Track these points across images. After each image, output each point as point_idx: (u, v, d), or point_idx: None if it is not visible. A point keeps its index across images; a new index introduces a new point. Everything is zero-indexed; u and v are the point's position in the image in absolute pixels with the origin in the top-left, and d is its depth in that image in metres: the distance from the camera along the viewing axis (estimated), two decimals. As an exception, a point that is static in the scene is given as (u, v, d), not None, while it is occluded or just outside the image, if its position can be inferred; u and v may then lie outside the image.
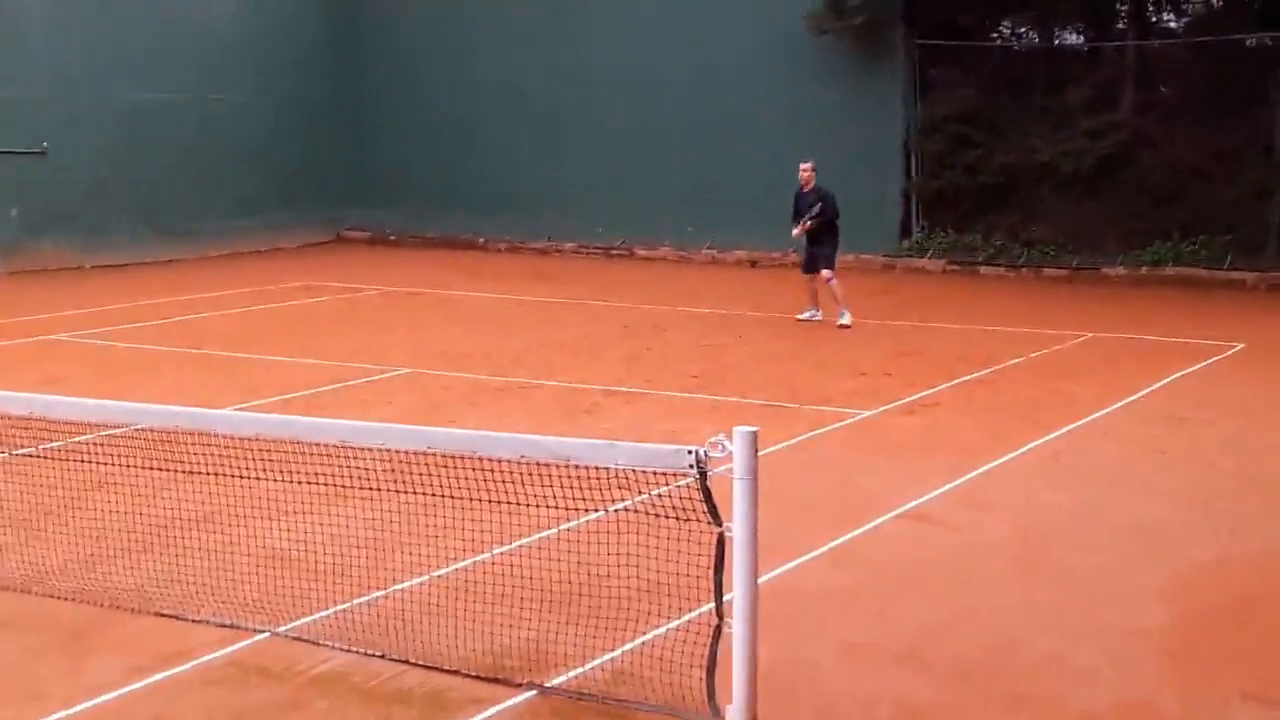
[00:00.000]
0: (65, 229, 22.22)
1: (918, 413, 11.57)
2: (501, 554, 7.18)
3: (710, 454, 5.23)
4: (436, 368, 13.49)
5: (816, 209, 15.96)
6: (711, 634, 5.46)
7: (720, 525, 5.34)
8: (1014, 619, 6.79)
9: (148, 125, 23.43)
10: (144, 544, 7.56)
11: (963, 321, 16.60)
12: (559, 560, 6.63)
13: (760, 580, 5.38)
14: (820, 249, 16.11)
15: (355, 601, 6.77)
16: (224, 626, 6.52)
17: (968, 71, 22.48)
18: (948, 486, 9.14)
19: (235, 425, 7.11)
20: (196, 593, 6.87)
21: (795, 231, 16.26)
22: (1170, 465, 9.91)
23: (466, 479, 6.34)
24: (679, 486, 5.66)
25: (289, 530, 7.34)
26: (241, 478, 7.11)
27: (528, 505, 6.34)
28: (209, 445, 7.30)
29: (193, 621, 6.61)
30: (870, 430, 10.98)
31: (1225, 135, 20.80)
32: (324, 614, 6.65)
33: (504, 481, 6.26)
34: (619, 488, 6.03)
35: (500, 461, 6.16)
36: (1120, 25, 23.10)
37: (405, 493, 6.86)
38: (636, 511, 6.15)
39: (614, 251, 24.50)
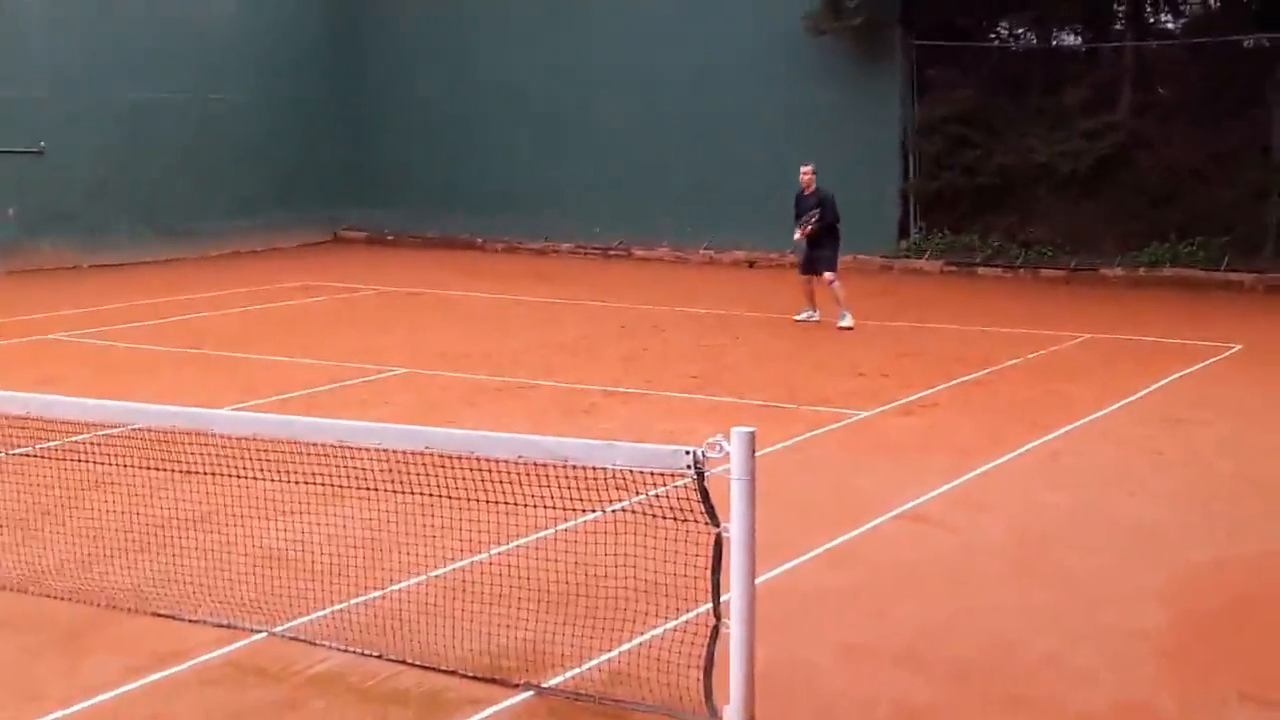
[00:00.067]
0: (64, 229, 22.22)
1: (915, 413, 11.57)
2: (499, 554, 7.18)
3: (708, 454, 5.23)
4: (434, 368, 13.49)
5: (815, 214, 15.95)
6: (709, 634, 5.46)
7: (718, 526, 5.34)
8: (1012, 620, 6.79)
9: (147, 125, 23.43)
10: (141, 544, 7.56)
11: (960, 322, 16.60)
12: (556, 561, 6.63)
13: (758, 581, 5.38)
14: (821, 252, 16.10)
15: (352, 601, 6.76)
16: (221, 626, 6.52)
17: (966, 72, 22.48)
18: (945, 487, 9.14)
19: (233, 425, 7.11)
20: (193, 593, 6.87)
21: (796, 235, 16.25)
22: (1168, 466, 9.92)
23: (464, 479, 6.34)
24: (677, 487, 5.66)
25: (286, 530, 7.34)
26: (239, 478, 7.10)
27: (525, 505, 6.34)
28: (207, 445, 7.30)
29: (190, 621, 6.60)
30: (868, 431, 10.98)
31: (1223, 136, 20.81)
32: (321, 614, 6.64)
33: (502, 482, 6.26)
34: (617, 488, 6.04)
35: (498, 462, 6.16)
36: (1118, 26, 23.12)
37: (403, 493, 6.86)
38: (634, 512, 6.15)
39: (612, 252, 24.50)
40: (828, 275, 16.01)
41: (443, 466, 6.38)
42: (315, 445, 6.76)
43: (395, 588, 6.95)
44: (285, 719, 5.67)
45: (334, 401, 11.71)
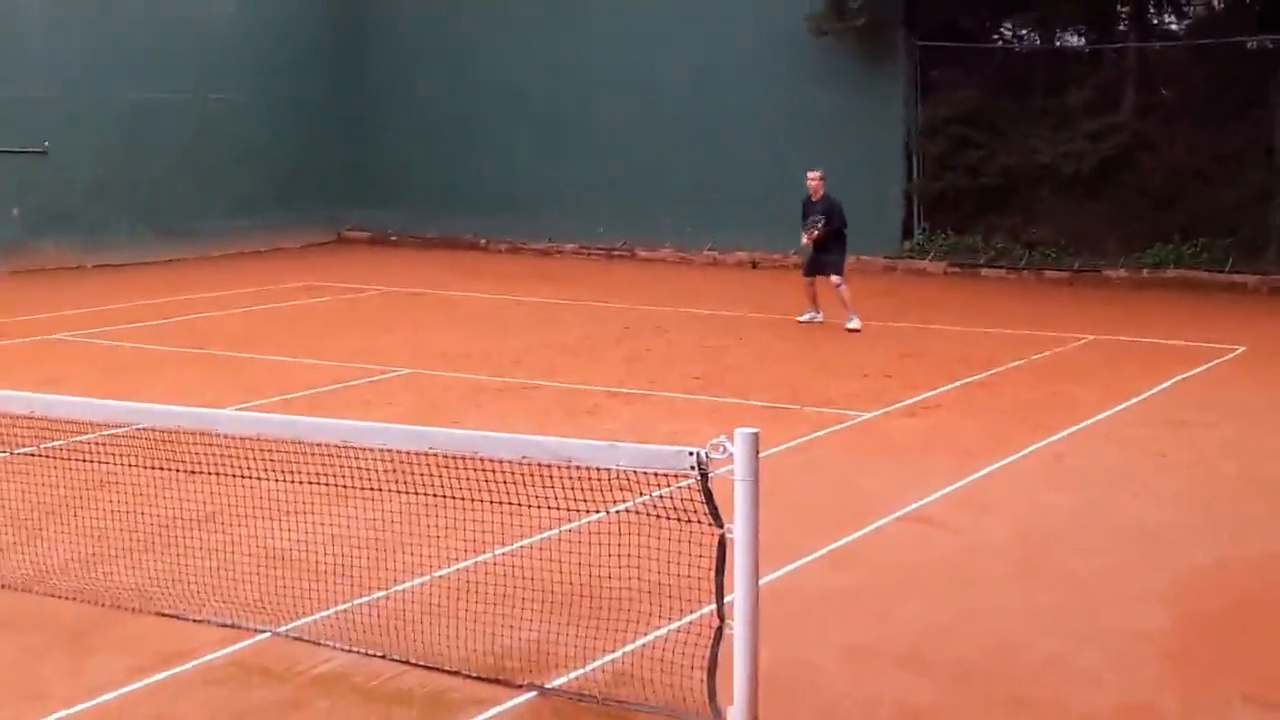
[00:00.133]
0: (66, 229, 22.23)
1: (919, 414, 11.57)
2: (502, 555, 7.19)
3: (711, 455, 5.23)
4: (437, 368, 13.49)
5: (820, 219, 15.94)
6: (713, 635, 5.46)
7: (721, 527, 5.34)
8: (1015, 621, 6.79)
9: (148, 125, 23.44)
10: (145, 543, 7.56)
11: (964, 323, 16.60)
12: (560, 561, 6.63)
13: (761, 582, 5.38)
14: (827, 256, 16.09)
15: (356, 602, 6.77)
16: (225, 626, 6.52)
17: (969, 73, 22.48)
18: (949, 488, 9.14)
19: (237, 425, 7.11)
20: (198, 592, 6.87)
21: (804, 241, 16.24)
22: (1171, 468, 9.91)
23: (468, 479, 6.34)
24: (680, 488, 5.66)
25: (290, 530, 7.34)
26: (243, 478, 7.11)
27: (529, 506, 6.35)
28: (211, 445, 7.30)
29: (194, 621, 6.61)
30: (871, 432, 10.98)
31: (1226, 138, 20.81)
32: (325, 614, 6.65)
33: (505, 482, 6.27)
34: (620, 489, 6.04)
35: (501, 462, 6.16)
36: (1121, 27, 23.09)
37: (406, 493, 6.86)
38: (638, 513, 6.14)
39: (615, 252, 24.50)
40: (834, 279, 16.01)
41: (446, 467, 6.38)
42: (319, 445, 6.77)
43: (399, 588, 6.95)
44: (289, 719, 5.68)
45: (337, 402, 11.72)
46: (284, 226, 25.59)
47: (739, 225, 23.11)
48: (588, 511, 6.33)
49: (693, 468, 5.27)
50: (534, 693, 5.82)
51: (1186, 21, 23.41)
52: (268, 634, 6.44)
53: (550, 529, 7.27)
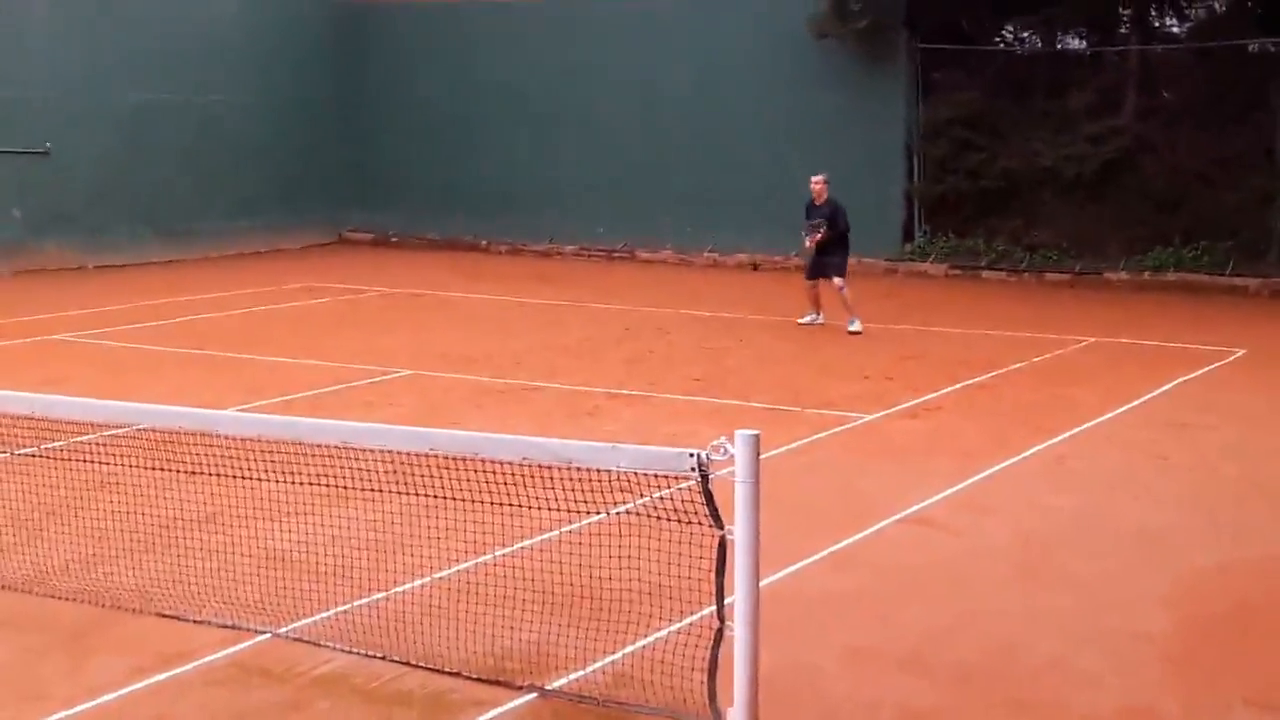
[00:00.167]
0: (68, 230, 22.23)
1: (920, 417, 11.57)
2: (503, 556, 7.19)
3: (712, 457, 5.23)
4: (438, 369, 13.49)
5: (821, 222, 15.93)
6: (713, 637, 5.46)
7: (722, 528, 5.34)
8: (1016, 624, 6.79)
9: (149, 126, 23.44)
10: (146, 544, 7.56)
11: (965, 326, 16.60)
12: (560, 563, 6.63)
13: (762, 584, 5.38)
14: (830, 259, 16.09)
15: (357, 603, 6.77)
16: (225, 627, 6.52)
17: (970, 75, 22.48)
18: (950, 491, 9.14)
19: (238, 426, 7.12)
20: (198, 593, 6.87)
21: (806, 244, 16.24)
22: (1172, 471, 9.91)
23: (468, 481, 6.34)
24: (681, 489, 5.66)
25: (291, 531, 7.34)
26: (244, 478, 7.11)
27: (529, 507, 6.35)
28: (211, 446, 7.30)
29: (194, 622, 6.61)
30: (872, 434, 10.98)
31: (1227, 141, 20.81)
32: (325, 615, 6.64)
33: (506, 483, 6.27)
34: (621, 490, 6.03)
35: (502, 463, 6.16)
36: (1123, 30, 23.08)
37: (407, 494, 6.86)
38: (638, 514, 6.14)
39: (616, 254, 24.50)
40: (837, 281, 16.01)
41: (447, 468, 6.38)
42: (320, 446, 6.78)
43: (399, 589, 6.95)
44: (289, 720, 5.68)
45: (338, 403, 11.72)
46: (284, 228, 25.59)
47: (740, 227, 23.11)
48: (588, 513, 6.33)
49: (693, 469, 5.27)
50: (534, 694, 5.82)
51: (1188, 24, 23.41)
52: (268, 635, 6.44)
53: (551, 530, 7.27)
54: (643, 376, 13.22)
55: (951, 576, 7.50)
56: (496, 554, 7.17)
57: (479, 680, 5.94)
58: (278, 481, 6.97)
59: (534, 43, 25.12)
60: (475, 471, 6.27)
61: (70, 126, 22.24)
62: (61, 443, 7.81)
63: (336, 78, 26.46)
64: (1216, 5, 23.44)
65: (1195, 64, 22.13)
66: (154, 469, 7.67)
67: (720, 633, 5.42)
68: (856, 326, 15.83)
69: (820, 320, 16.33)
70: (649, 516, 5.96)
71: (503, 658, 6.15)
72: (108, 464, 7.85)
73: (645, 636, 6.16)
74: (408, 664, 6.10)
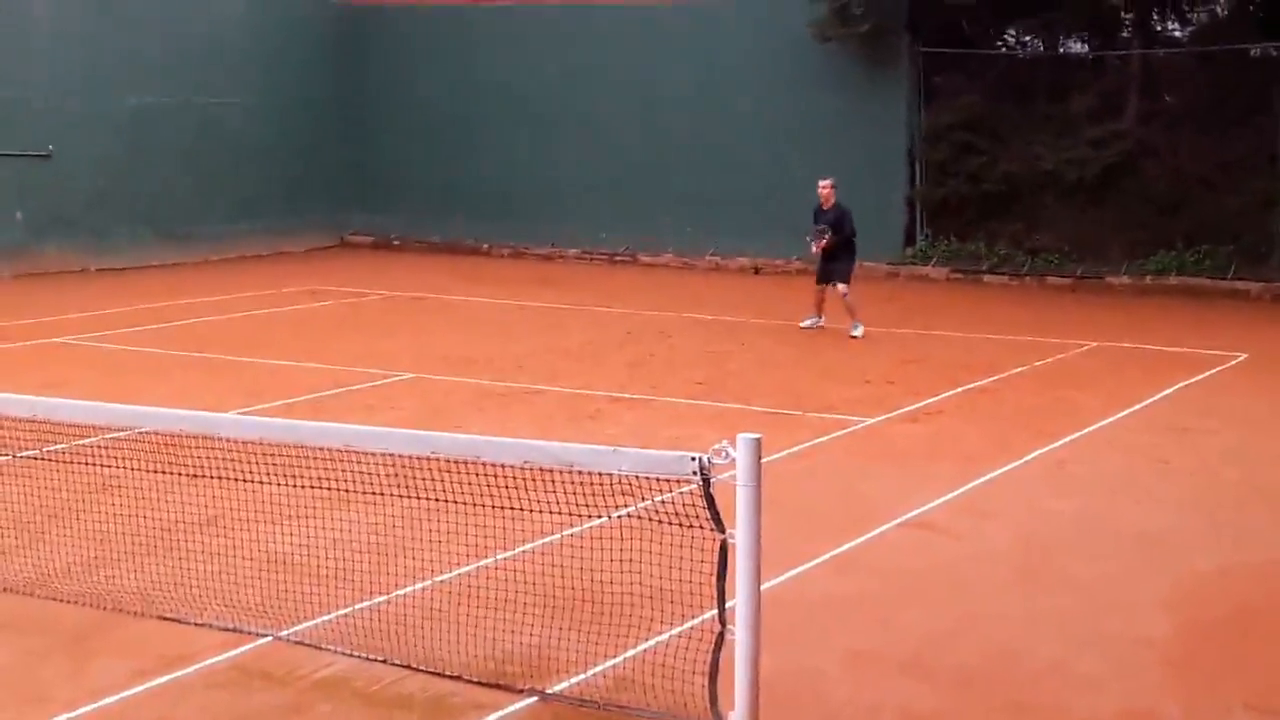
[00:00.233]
0: (69, 233, 22.24)
1: (921, 420, 11.57)
2: (504, 559, 7.19)
3: (714, 460, 5.24)
4: (440, 373, 13.49)
5: (829, 231, 15.93)
6: (714, 641, 5.46)
7: (723, 532, 5.34)
8: (1017, 627, 6.79)
9: (150, 129, 23.45)
10: (147, 547, 7.56)
11: (966, 329, 16.60)
12: (562, 566, 6.63)
13: (763, 587, 5.38)
14: (836, 264, 16.10)
15: (358, 606, 6.77)
16: (227, 630, 6.53)
17: (972, 79, 22.48)
18: (951, 495, 9.14)
19: (239, 429, 7.13)
20: (200, 596, 6.88)
21: (814, 249, 16.25)
22: (1173, 475, 9.91)
23: (470, 484, 6.35)
24: (682, 493, 5.66)
25: (292, 534, 7.35)
26: (245, 481, 7.11)
27: (531, 511, 6.35)
28: (213, 449, 7.30)
29: (196, 625, 6.61)
30: (874, 438, 10.98)
31: (1229, 145, 20.80)
32: (326, 618, 6.65)
33: (507, 487, 6.26)
34: (622, 494, 6.04)
35: (504, 467, 6.16)
36: (1125, 34, 23.08)
37: (408, 497, 6.85)
38: (640, 518, 6.15)
39: (618, 257, 24.50)
40: (841, 287, 16.03)
41: (448, 471, 6.39)
42: (321, 449, 6.78)
43: (401, 592, 6.95)
44: (290, 723, 5.68)
45: (340, 406, 11.72)
46: (286, 231, 25.60)
47: (741, 231, 23.11)
48: (590, 516, 6.34)
49: (695, 473, 5.28)
50: (535, 698, 5.83)
51: (1190, 28, 23.39)
52: (269, 638, 6.44)
53: (552, 534, 7.27)
54: (644, 380, 13.22)
55: (952, 580, 7.50)
56: (498, 557, 7.17)
57: (480, 684, 5.94)
58: (279, 485, 6.98)
59: (535, 45, 25.12)
60: (477, 475, 6.27)
61: (71, 129, 22.26)
62: (63, 446, 7.81)
63: (337, 80, 26.46)
64: (1218, 9, 23.43)
65: (1197, 68, 22.13)
66: (155, 472, 7.68)
67: (721, 636, 5.42)
68: (859, 331, 15.84)
69: (821, 323, 16.34)
70: (650, 520, 5.96)
71: (504, 661, 6.15)
72: (109, 467, 7.85)
73: (646, 640, 6.16)
74: (409, 667, 6.10)
